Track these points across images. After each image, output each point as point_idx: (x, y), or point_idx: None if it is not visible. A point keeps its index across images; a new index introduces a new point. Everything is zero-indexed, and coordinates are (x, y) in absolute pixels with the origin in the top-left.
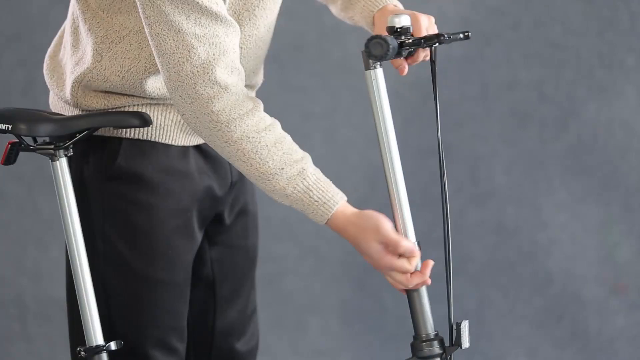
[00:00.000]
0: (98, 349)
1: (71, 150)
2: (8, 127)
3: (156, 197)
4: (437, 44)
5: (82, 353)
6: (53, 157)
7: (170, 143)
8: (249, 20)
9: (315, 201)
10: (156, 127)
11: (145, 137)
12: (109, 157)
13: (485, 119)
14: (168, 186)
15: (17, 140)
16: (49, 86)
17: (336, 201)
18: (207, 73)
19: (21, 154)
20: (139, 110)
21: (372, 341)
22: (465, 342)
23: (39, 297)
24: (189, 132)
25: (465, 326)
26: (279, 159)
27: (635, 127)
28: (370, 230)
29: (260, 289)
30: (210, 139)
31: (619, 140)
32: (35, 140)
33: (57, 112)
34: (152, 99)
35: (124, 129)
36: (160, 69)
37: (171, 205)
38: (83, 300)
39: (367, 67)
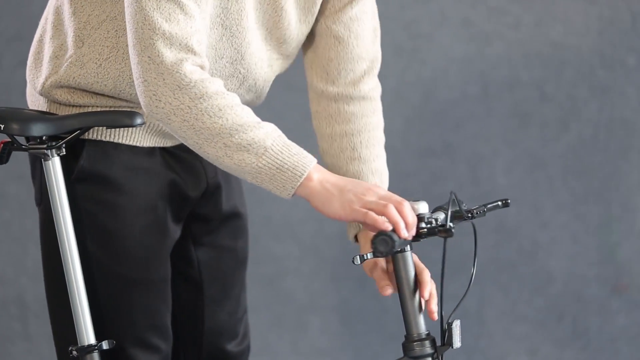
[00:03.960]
0: (90, 348)
1: (64, 149)
2: (0, 127)
3: (122, 197)
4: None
5: (74, 352)
6: (45, 157)
7: (134, 144)
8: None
9: (295, 154)
10: (120, 129)
11: (108, 139)
12: (72, 159)
13: (486, 119)
14: (133, 185)
15: (10, 140)
16: (27, 79)
17: (313, 157)
18: (181, 38)
19: (23, 154)
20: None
21: (372, 341)
22: (457, 342)
23: (40, 297)
24: (155, 134)
25: (456, 326)
26: (252, 115)
27: (636, 126)
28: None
29: (260, 288)
30: (179, 97)
31: (620, 140)
32: (27, 140)
33: (33, 105)
34: (120, 99)
35: (89, 132)
36: (129, 34)
37: (139, 204)
38: (75, 300)
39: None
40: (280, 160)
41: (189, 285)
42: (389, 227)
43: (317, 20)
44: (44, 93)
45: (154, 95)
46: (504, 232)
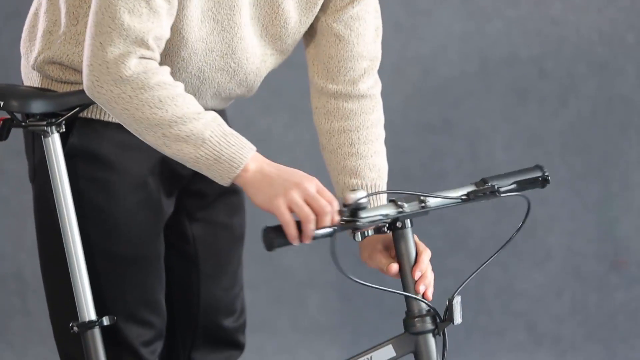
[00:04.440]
0: (91, 324)
1: (63, 126)
2: (0, 104)
3: (113, 174)
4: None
5: (75, 328)
6: (45, 134)
7: None
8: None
9: (233, 145)
10: None
11: (98, 117)
12: (62, 136)
13: (485, 96)
14: (124, 162)
15: (9, 117)
16: (21, 51)
17: (252, 146)
18: (137, 32)
19: (18, 129)
20: None
21: (371, 317)
22: (458, 318)
23: (39, 273)
24: None
25: (457, 302)
26: (193, 106)
27: (635, 104)
28: (301, 172)
29: (259, 265)
30: (121, 86)
31: (618, 117)
32: (27, 117)
33: (27, 79)
34: None
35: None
36: (91, 14)
37: (129, 181)
38: (75, 276)
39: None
40: (218, 152)
41: (184, 261)
42: (295, 242)
43: (318, 17)
44: (36, 68)
45: (96, 81)
46: (502, 208)
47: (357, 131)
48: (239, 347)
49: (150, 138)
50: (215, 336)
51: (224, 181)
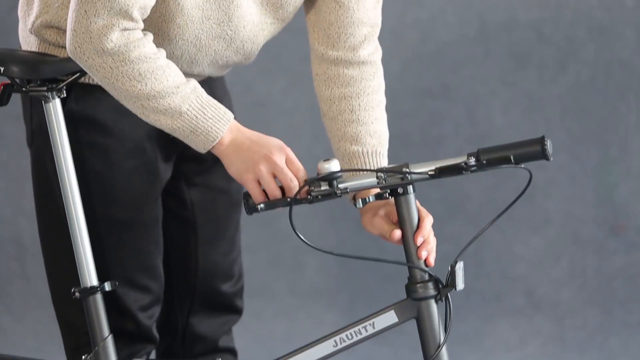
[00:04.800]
0: (93, 290)
1: (64, 92)
2: (1, 69)
3: (110, 139)
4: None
5: (77, 294)
6: (46, 99)
7: None
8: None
9: (210, 118)
10: None
11: (95, 82)
12: (61, 101)
13: (484, 60)
14: (121, 127)
15: (9, 82)
16: (19, 15)
17: (229, 117)
18: (122, 4)
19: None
20: None
21: (369, 282)
22: (460, 283)
23: (38, 237)
24: None
25: (460, 267)
26: (172, 79)
27: (634, 68)
28: (274, 141)
29: (258, 229)
30: (102, 57)
31: (618, 81)
32: (28, 82)
33: (25, 43)
34: None
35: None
36: None
37: (127, 146)
38: (77, 241)
39: None
40: (195, 124)
41: (182, 226)
42: (261, 208)
43: None
44: (34, 32)
45: (79, 47)
46: (501, 173)
47: (358, 98)
48: (237, 311)
49: (129, 105)
50: (213, 301)
51: (200, 150)
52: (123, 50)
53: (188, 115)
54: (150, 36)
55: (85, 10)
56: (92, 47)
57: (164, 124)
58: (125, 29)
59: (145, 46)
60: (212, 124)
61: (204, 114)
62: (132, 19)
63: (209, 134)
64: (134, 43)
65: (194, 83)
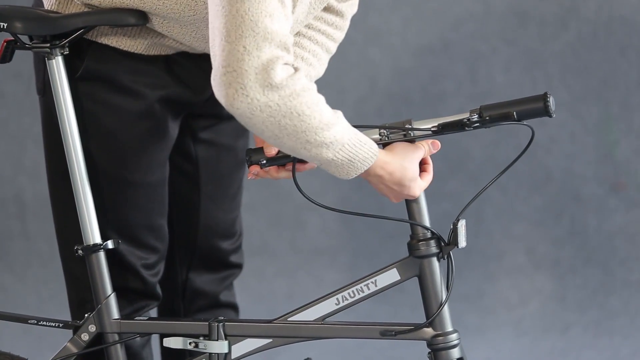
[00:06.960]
0: (95, 247)
1: (67, 48)
2: (4, 26)
3: (124, 99)
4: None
5: (80, 252)
6: (49, 56)
7: (137, 52)
8: None
9: (364, 144)
10: (126, 41)
11: (113, 45)
12: (78, 58)
13: (485, 17)
14: (136, 88)
15: (13, 39)
16: None
17: (375, 147)
18: (281, 36)
19: (20, 51)
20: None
21: (370, 239)
22: (462, 241)
23: (38, 196)
24: (157, 46)
25: (462, 225)
26: (328, 110)
27: (635, 25)
28: (411, 152)
29: (259, 188)
30: (269, 94)
31: (619, 38)
32: (31, 39)
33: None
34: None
35: (95, 35)
36: (220, 17)
37: (140, 107)
38: (80, 199)
39: None
40: (354, 154)
41: (186, 181)
42: (263, 164)
43: None
44: None
45: (241, 88)
46: (502, 130)
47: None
48: (237, 266)
49: (289, 143)
50: (213, 258)
51: (347, 177)
52: (290, 84)
53: (349, 145)
54: (302, 70)
55: (244, 47)
56: (259, 83)
57: (324, 157)
58: (287, 62)
59: (303, 77)
60: (367, 151)
61: (360, 142)
62: (289, 51)
63: (365, 160)
64: (297, 76)
65: (339, 111)
